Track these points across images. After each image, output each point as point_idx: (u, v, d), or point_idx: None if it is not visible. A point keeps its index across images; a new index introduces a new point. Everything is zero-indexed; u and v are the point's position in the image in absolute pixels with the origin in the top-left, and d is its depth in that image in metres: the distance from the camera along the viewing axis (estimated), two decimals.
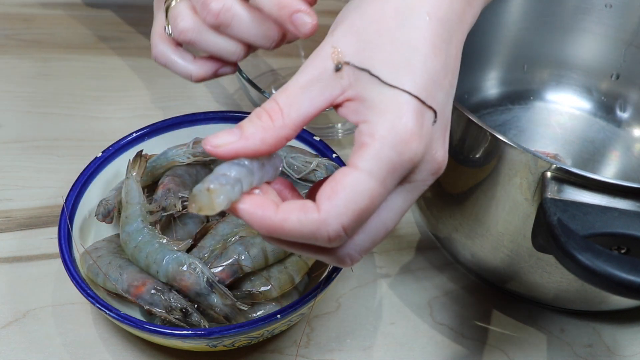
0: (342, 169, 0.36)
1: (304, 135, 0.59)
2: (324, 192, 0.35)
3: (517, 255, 0.52)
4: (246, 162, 0.37)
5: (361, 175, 0.35)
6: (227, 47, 0.49)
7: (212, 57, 0.51)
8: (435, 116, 0.37)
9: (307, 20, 0.44)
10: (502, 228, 0.51)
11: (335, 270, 0.51)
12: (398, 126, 0.36)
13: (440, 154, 0.38)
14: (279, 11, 0.45)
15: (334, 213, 0.35)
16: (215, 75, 0.52)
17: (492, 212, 0.51)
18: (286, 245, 0.38)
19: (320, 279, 0.51)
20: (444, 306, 0.58)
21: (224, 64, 0.52)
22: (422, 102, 0.37)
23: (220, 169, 0.36)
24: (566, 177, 0.44)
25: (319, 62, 0.38)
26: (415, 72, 0.37)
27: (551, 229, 0.42)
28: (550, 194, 0.44)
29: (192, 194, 0.36)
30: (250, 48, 0.50)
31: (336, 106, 0.38)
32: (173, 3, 0.50)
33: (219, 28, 0.48)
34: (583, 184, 0.44)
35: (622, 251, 0.44)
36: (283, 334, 0.56)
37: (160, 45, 0.52)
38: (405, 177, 0.37)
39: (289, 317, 0.49)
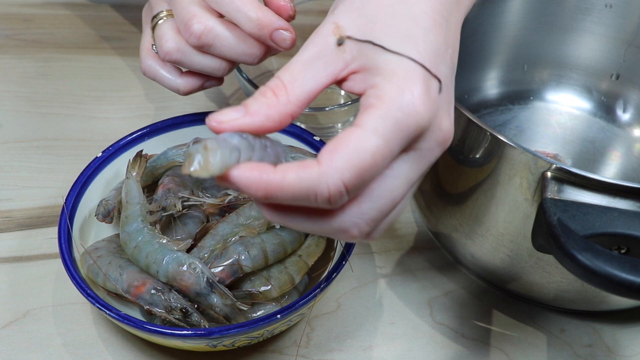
0: (346, 129, 0.35)
1: (303, 135, 0.59)
2: (325, 149, 0.35)
3: (517, 255, 0.52)
4: (250, 137, 0.36)
5: (365, 132, 0.35)
6: (211, 65, 0.52)
7: (199, 73, 0.54)
8: (440, 85, 0.38)
9: (286, 36, 0.49)
10: (502, 228, 0.51)
11: (335, 270, 0.51)
12: (406, 89, 0.36)
13: (446, 124, 0.38)
14: (260, 31, 0.49)
15: (334, 166, 0.34)
16: (202, 88, 0.56)
17: (492, 212, 0.51)
18: (285, 213, 0.37)
19: (320, 279, 0.51)
20: (444, 306, 0.58)
21: (209, 78, 0.55)
22: (427, 69, 0.37)
23: (223, 135, 0.36)
24: (566, 177, 0.45)
25: (321, 39, 0.38)
26: (418, 42, 0.37)
27: (551, 229, 0.42)
28: (550, 194, 0.44)
29: (188, 152, 0.35)
30: (234, 63, 0.54)
31: (340, 81, 0.38)
32: (159, 22, 0.53)
33: (202, 48, 0.51)
34: (583, 184, 0.44)
35: (622, 251, 0.44)
36: (283, 334, 0.56)
37: (148, 60, 0.55)
38: (411, 144, 0.37)
39: (289, 317, 0.49)
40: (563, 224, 0.42)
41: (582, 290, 0.52)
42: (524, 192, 0.47)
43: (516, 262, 0.52)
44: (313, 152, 0.58)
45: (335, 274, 0.50)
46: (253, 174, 0.34)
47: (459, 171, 0.53)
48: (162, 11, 0.53)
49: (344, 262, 0.51)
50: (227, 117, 0.37)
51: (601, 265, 0.40)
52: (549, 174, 0.45)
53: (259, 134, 0.37)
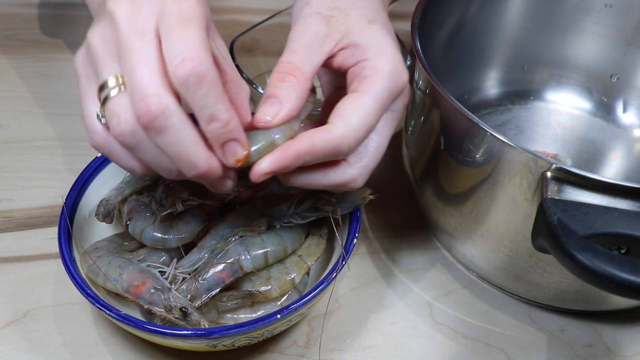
0: (351, 96, 0.45)
1: None
2: (338, 113, 0.44)
3: (517, 255, 0.52)
4: None
5: (369, 99, 0.45)
6: (164, 164, 0.43)
7: None
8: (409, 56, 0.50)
9: (239, 152, 0.43)
10: (502, 228, 0.51)
11: (335, 270, 0.51)
12: (394, 61, 0.46)
13: (409, 90, 0.49)
14: (221, 133, 0.42)
15: (351, 127, 0.44)
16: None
17: (492, 212, 0.51)
18: (307, 173, 0.46)
19: (321, 279, 0.51)
20: (444, 306, 0.58)
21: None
22: (404, 46, 0.47)
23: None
24: (566, 177, 0.45)
25: (313, 25, 0.47)
26: (384, 21, 0.49)
27: (551, 229, 0.42)
28: (550, 194, 0.45)
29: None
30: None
31: (330, 58, 0.47)
32: (111, 94, 0.42)
33: (151, 133, 0.41)
34: (583, 184, 0.44)
35: (622, 251, 0.44)
36: (283, 334, 0.56)
37: (100, 134, 0.44)
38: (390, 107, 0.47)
39: (289, 317, 0.49)
40: (563, 224, 0.42)
41: (582, 290, 0.52)
42: (524, 192, 0.48)
43: (516, 262, 0.52)
44: None
45: (335, 274, 0.50)
46: (287, 150, 0.43)
47: (459, 171, 0.53)
48: (112, 78, 0.42)
49: (344, 262, 0.51)
50: (272, 114, 0.44)
51: (601, 265, 0.40)
52: (548, 174, 0.45)
53: (296, 115, 0.45)
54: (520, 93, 0.71)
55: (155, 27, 0.41)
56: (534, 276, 0.53)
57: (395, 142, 0.71)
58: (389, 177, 0.69)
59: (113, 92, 0.42)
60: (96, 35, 0.43)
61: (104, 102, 0.42)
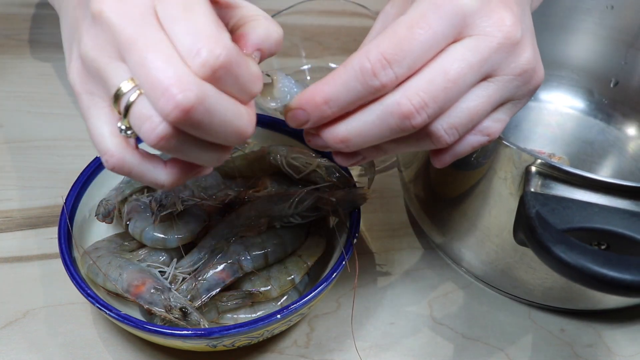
0: None
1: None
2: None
3: (502, 250, 0.52)
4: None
5: (397, 14, 0.39)
6: (211, 154, 0.38)
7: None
8: None
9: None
10: (487, 222, 0.52)
11: (335, 270, 0.51)
12: None
13: (527, 54, 0.40)
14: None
15: (373, 44, 0.37)
16: (191, 177, 0.41)
17: (479, 207, 0.52)
18: (355, 126, 0.39)
19: (320, 279, 0.51)
20: (444, 306, 0.59)
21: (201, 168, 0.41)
22: None
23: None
24: (550, 172, 0.45)
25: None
26: None
27: (529, 222, 0.43)
28: (532, 187, 0.45)
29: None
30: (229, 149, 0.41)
31: None
32: (131, 97, 0.36)
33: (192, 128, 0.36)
34: (567, 180, 0.45)
35: (603, 247, 0.44)
36: (283, 334, 0.56)
37: (118, 151, 0.38)
38: (488, 74, 0.39)
39: (289, 317, 0.50)
40: (541, 217, 0.43)
41: (567, 288, 0.53)
42: (509, 186, 0.48)
43: (502, 257, 0.53)
44: (313, 152, 0.59)
45: (335, 274, 0.51)
46: (306, 92, 0.39)
47: (453, 172, 0.53)
48: (125, 82, 0.36)
49: (343, 262, 0.52)
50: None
51: (575, 258, 0.40)
52: (533, 168, 0.46)
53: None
54: None
55: (155, 15, 0.35)
56: (519, 272, 0.53)
57: None
58: (388, 178, 0.69)
59: (133, 96, 0.36)
60: (88, 44, 0.37)
61: (126, 111, 0.36)
